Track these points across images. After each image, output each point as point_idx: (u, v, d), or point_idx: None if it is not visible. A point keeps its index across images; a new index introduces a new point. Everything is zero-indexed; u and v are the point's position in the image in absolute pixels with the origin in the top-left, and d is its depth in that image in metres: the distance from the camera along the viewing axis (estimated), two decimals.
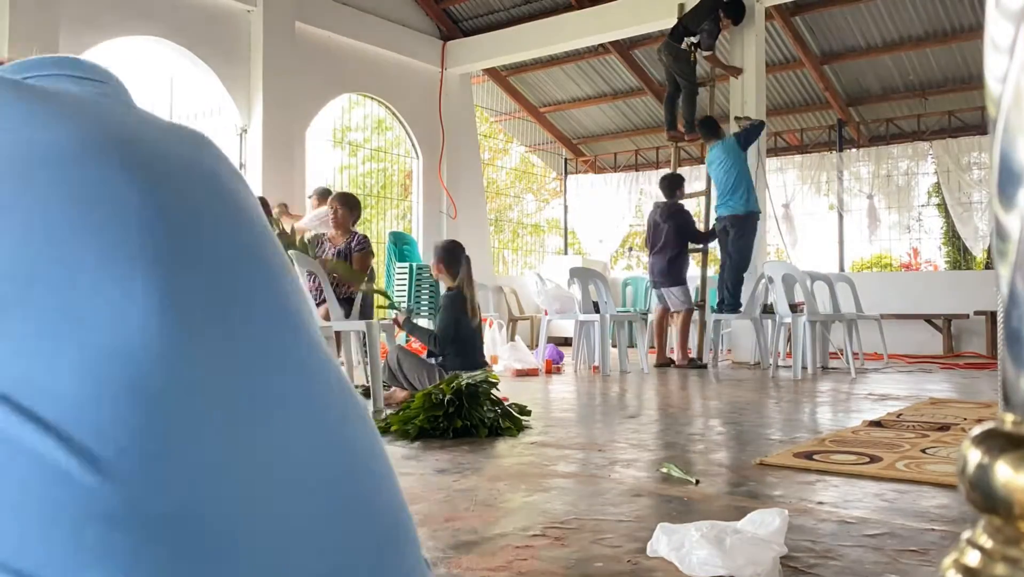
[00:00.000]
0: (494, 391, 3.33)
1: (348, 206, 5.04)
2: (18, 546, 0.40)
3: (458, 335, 4.33)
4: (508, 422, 3.17)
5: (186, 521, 0.44)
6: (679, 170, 7.86)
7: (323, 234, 5.23)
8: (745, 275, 6.74)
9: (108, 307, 0.46)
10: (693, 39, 7.29)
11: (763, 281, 6.42)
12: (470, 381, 3.25)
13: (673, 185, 7.04)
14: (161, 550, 0.43)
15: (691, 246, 7.09)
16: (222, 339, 0.51)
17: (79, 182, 0.49)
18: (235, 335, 0.52)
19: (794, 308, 6.12)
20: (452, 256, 4.47)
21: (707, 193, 7.44)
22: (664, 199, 6.99)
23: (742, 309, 6.59)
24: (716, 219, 6.89)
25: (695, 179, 8.97)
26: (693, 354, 7.02)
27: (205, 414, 0.47)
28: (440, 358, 4.32)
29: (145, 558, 0.42)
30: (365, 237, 5.05)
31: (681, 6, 7.94)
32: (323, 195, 6.63)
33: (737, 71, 7.62)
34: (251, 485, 0.48)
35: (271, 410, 0.52)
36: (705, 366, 6.64)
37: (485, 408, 3.15)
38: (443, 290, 4.68)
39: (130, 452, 0.43)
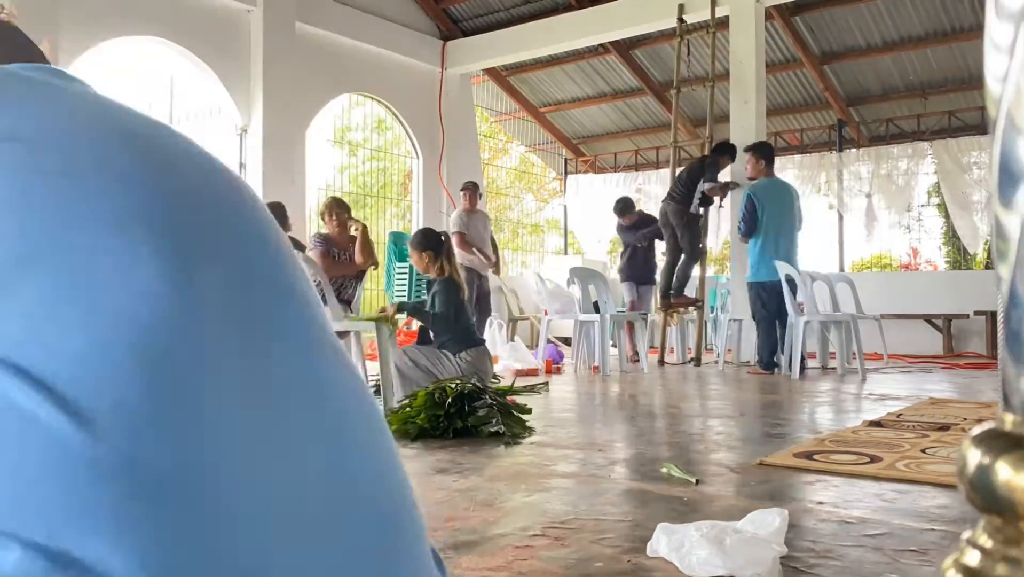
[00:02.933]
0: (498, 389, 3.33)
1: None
2: (10, 507, 0.40)
3: (458, 321, 4.34)
4: (513, 424, 3.16)
5: (182, 481, 0.45)
6: (678, 171, 7.85)
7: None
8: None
9: (116, 270, 0.47)
10: (697, 200, 6.91)
11: None
12: (473, 384, 3.26)
13: (623, 210, 7.72)
14: (151, 507, 0.43)
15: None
16: (232, 319, 0.51)
17: (81, 155, 0.50)
18: (247, 318, 0.52)
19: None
20: (433, 244, 4.44)
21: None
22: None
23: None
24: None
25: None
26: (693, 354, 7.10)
27: (210, 382, 0.48)
28: (442, 341, 4.33)
29: (134, 514, 0.43)
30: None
31: (681, 6, 7.94)
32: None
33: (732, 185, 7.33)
34: (253, 458, 0.49)
35: (280, 392, 0.53)
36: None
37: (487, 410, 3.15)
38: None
39: (125, 410, 0.44)
